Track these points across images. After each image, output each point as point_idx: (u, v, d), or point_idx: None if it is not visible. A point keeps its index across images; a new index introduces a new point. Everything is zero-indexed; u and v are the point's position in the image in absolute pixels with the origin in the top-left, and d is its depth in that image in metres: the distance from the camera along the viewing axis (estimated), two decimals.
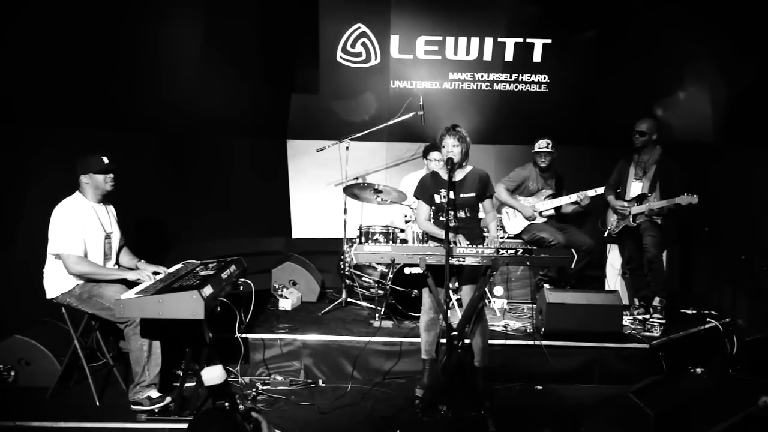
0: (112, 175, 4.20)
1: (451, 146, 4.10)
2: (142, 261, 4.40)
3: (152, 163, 5.78)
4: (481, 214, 4.40)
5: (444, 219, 4.00)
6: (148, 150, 5.71)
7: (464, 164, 4.25)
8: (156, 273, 4.19)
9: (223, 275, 4.10)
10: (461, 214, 4.20)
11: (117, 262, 4.37)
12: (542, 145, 5.93)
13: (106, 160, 4.17)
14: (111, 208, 4.37)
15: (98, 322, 4.28)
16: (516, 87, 6.83)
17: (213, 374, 2.64)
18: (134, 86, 5.38)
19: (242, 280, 4.39)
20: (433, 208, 4.30)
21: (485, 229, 4.43)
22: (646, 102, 6.49)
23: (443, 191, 4.12)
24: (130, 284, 4.08)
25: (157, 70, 5.56)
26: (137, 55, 5.32)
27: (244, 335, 4.68)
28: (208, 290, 3.68)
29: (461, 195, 4.17)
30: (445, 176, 4.13)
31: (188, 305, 3.55)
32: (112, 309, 3.80)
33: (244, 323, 4.61)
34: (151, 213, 5.69)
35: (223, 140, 6.46)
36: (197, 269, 4.23)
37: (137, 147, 5.49)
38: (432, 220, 4.32)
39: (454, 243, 3.97)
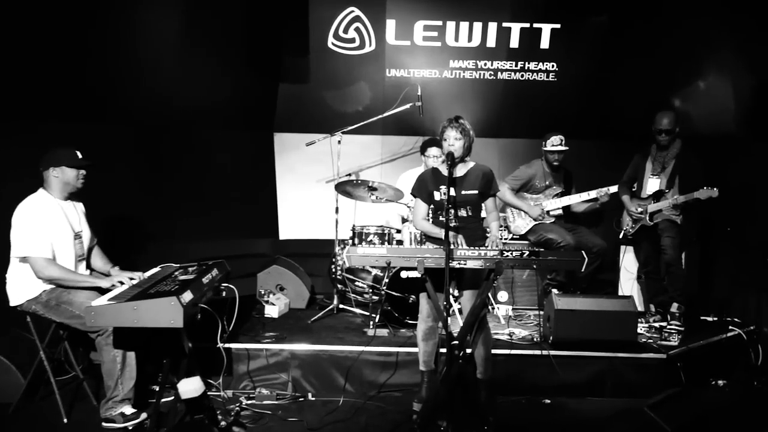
0: (84, 172, 4.18)
1: (453, 139, 4.09)
2: (116, 268, 4.38)
3: (126, 157, 5.78)
4: (483, 214, 4.39)
5: (444, 218, 3.98)
6: (122, 144, 5.70)
7: (466, 160, 4.24)
8: (131, 279, 4.15)
9: (204, 280, 4.06)
10: (462, 212, 4.19)
11: (88, 265, 4.35)
12: (555, 142, 5.91)
13: (80, 154, 4.14)
14: (79, 205, 4.35)
15: (67, 332, 4.25)
16: (522, 76, 6.83)
17: (190, 386, 2.61)
18: (107, 76, 5.37)
19: (225, 285, 4.32)
20: (432, 207, 4.29)
21: (487, 230, 4.42)
22: (663, 92, 6.50)
23: (443, 188, 4.10)
24: (103, 290, 4.05)
25: (133, 59, 5.55)
26: (111, 42, 5.31)
27: (226, 345, 4.65)
28: (187, 296, 3.64)
29: (463, 192, 4.16)
30: (445, 172, 4.11)
31: (166, 312, 3.49)
32: (82, 317, 3.76)
33: (227, 332, 4.55)
34: (124, 212, 5.68)
35: (204, 133, 6.45)
36: (176, 273, 4.19)
37: (110, 140, 5.48)
38: (431, 220, 4.31)
39: (455, 244, 3.95)
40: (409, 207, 5.74)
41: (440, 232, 3.98)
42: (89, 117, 5.31)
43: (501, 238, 5.85)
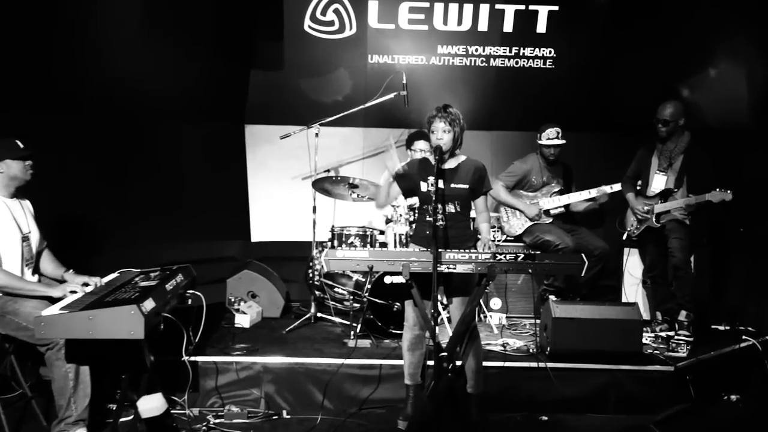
0: (31, 162, 4.15)
1: (442, 132, 4.08)
2: (71, 271, 4.34)
3: (80, 150, 5.72)
4: (472, 214, 4.41)
5: (430, 214, 3.99)
6: (75, 135, 5.65)
7: (457, 152, 4.25)
8: (86, 285, 4.13)
9: (168, 286, 4.07)
10: (450, 208, 4.19)
11: (37, 270, 4.31)
12: (551, 135, 5.95)
13: (20, 144, 4.12)
14: (27, 203, 4.32)
15: (13, 345, 4.19)
16: (516, 63, 6.85)
17: (151, 404, 2.61)
18: (59, 62, 5.32)
19: (191, 291, 4.34)
20: (416, 204, 4.27)
21: (477, 231, 4.43)
22: (671, 80, 6.55)
23: (431, 179, 4.09)
24: (54, 299, 4.01)
25: (89, 42, 5.51)
26: (65, 25, 5.27)
27: (192, 358, 4.61)
28: (149, 304, 3.64)
29: (452, 185, 4.17)
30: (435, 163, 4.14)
31: (125, 323, 3.49)
32: (30, 328, 3.73)
33: (193, 344, 4.53)
34: (77, 211, 5.64)
35: (168, 125, 6.41)
36: (136, 279, 4.19)
37: (61, 131, 5.44)
38: (417, 214, 4.30)
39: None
40: (393, 206, 5.74)
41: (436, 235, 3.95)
42: (36, 106, 5.26)
43: (493, 240, 5.90)
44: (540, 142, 6.02)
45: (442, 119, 4.08)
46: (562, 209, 6.10)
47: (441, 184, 4.01)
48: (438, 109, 4.13)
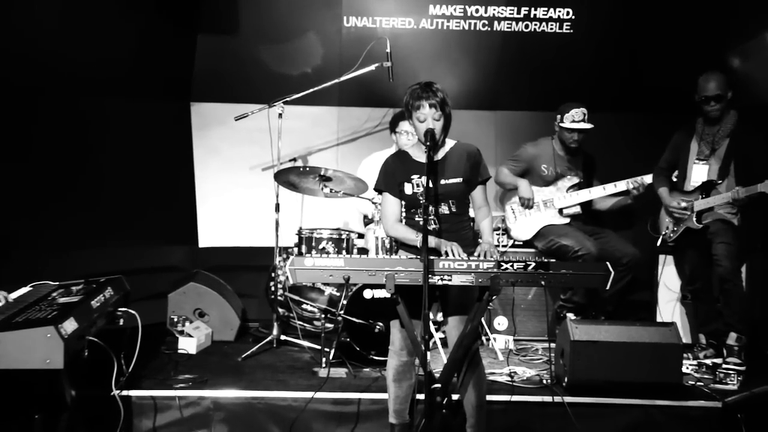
0: None
1: (432, 118, 4.05)
2: None
3: None
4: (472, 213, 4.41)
5: (420, 218, 3.97)
6: None
7: (443, 139, 4.23)
8: None
9: (94, 303, 4.07)
10: (444, 209, 4.19)
11: None
12: (576, 116, 5.97)
13: None
14: None
15: None
16: (527, 27, 6.87)
17: None
18: None
19: (123, 309, 4.38)
20: (403, 203, 4.25)
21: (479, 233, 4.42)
22: (714, 48, 6.55)
23: (416, 177, 4.11)
24: None
25: None
26: None
27: (125, 392, 4.60)
28: (70, 325, 3.63)
29: (443, 182, 4.16)
30: (417, 157, 4.15)
31: (39, 348, 3.48)
32: None
33: (126, 374, 4.53)
34: None
35: (93, 102, 6.39)
36: (54, 294, 4.19)
37: None
38: (404, 221, 4.30)
39: (445, 254, 3.93)
40: (375, 203, 5.75)
41: (419, 239, 3.96)
42: None
43: (497, 245, 5.88)
44: (562, 125, 6.03)
45: (428, 98, 4.03)
46: (578, 209, 6.09)
47: (430, 182, 3.96)
48: (422, 89, 4.07)
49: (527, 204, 6.07)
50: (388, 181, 4.27)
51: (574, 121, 5.95)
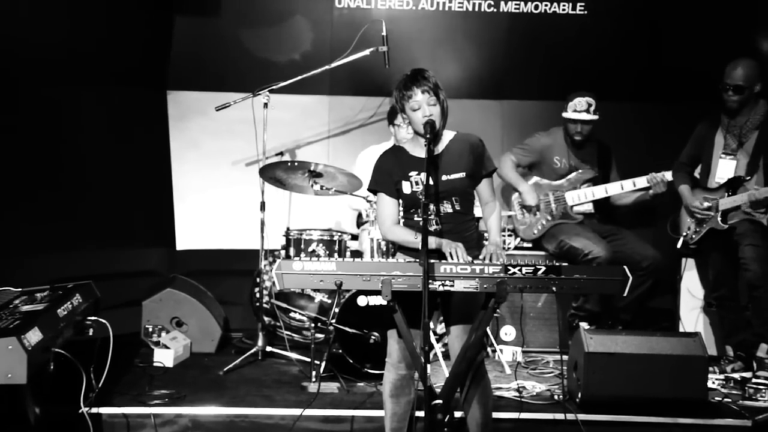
0: None
1: (428, 105, 4.04)
2: None
3: None
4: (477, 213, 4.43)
5: (420, 219, 3.98)
6: None
7: (441, 130, 4.22)
8: None
9: (61, 311, 4.06)
10: (446, 207, 4.19)
11: None
12: (579, 106, 6.00)
13: None
14: None
15: None
16: (536, 8, 6.91)
17: None
18: None
19: (93, 318, 4.38)
20: (401, 203, 4.28)
21: (484, 234, 4.45)
22: (742, 31, 6.60)
23: (415, 174, 4.11)
24: None
25: None
26: None
27: (95, 409, 4.60)
28: (33, 336, 3.64)
29: (444, 178, 4.14)
30: (414, 152, 4.14)
31: (0, 361, 3.49)
32: None
33: (96, 389, 4.54)
34: None
35: (60, 91, 6.38)
36: (16, 302, 4.19)
37: None
38: (402, 222, 4.33)
39: (449, 255, 3.96)
40: (370, 202, 5.75)
41: (418, 241, 3.95)
42: None
43: (505, 247, 5.92)
44: (564, 114, 6.08)
45: (421, 87, 4.02)
46: (590, 207, 6.15)
47: (429, 178, 3.96)
48: (410, 77, 4.07)
49: (531, 211, 6.12)
50: (384, 180, 4.25)
51: (575, 111, 6.00)
